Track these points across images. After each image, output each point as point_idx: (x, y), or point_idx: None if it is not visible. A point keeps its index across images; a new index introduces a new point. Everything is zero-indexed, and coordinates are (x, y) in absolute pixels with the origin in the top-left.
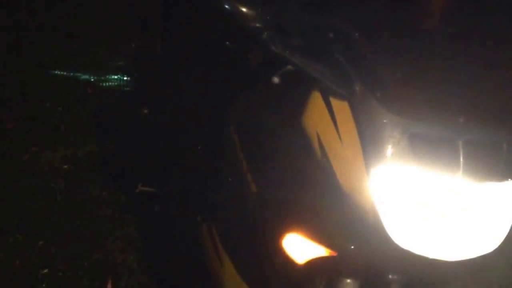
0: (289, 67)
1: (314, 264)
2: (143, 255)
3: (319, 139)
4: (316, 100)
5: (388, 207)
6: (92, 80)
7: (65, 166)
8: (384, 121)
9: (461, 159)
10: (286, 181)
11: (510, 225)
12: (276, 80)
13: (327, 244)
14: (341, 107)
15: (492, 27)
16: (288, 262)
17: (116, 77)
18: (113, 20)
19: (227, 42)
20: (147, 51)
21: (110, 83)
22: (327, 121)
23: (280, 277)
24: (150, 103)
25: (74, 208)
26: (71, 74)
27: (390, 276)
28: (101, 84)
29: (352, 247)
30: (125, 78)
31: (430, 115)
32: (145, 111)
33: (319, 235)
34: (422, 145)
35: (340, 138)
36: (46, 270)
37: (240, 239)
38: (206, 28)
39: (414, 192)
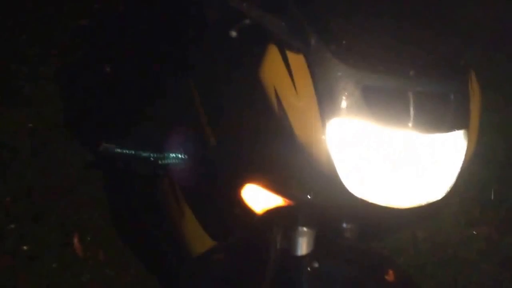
0: (246, 21)
1: (272, 214)
2: (108, 210)
3: (276, 91)
4: (272, 53)
5: (343, 157)
6: None
7: (30, 125)
8: (339, 73)
9: (412, 111)
10: (245, 133)
11: (456, 174)
12: (233, 34)
13: (285, 194)
14: (297, 60)
15: None
16: (246, 211)
17: None
18: None
19: None
20: (109, 11)
21: None
22: (283, 74)
23: (239, 226)
24: (112, 61)
25: (39, 166)
26: None
27: (344, 225)
28: None
29: (309, 196)
30: None
31: (382, 67)
32: (107, 69)
33: (277, 185)
34: (375, 97)
35: (296, 90)
36: (12, 226)
37: (201, 190)
38: None
39: (367, 143)
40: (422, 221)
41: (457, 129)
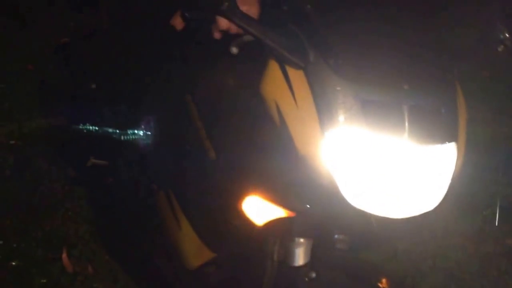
0: (247, 37)
1: (272, 225)
2: (95, 225)
3: (277, 105)
4: (273, 69)
5: (341, 168)
6: None
7: (12, 142)
8: (337, 88)
9: (406, 123)
10: (245, 146)
11: (447, 186)
12: (234, 50)
13: (285, 206)
14: (297, 75)
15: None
16: (246, 223)
17: None
18: None
19: (186, 14)
20: (92, 27)
21: None
22: (284, 89)
23: (237, 238)
24: (98, 77)
25: (24, 182)
26: None
27: (336, 236)
28: None
29: (309, 207)
30: None
31: (379, 82)
32: (93, 86)
33: (278, 197)
34: (372, 110)
35: (296, 104)
36: (0, 242)
37: (199, 203)
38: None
39: (365, 154)
40: (414, 231)
41: (448, 141)
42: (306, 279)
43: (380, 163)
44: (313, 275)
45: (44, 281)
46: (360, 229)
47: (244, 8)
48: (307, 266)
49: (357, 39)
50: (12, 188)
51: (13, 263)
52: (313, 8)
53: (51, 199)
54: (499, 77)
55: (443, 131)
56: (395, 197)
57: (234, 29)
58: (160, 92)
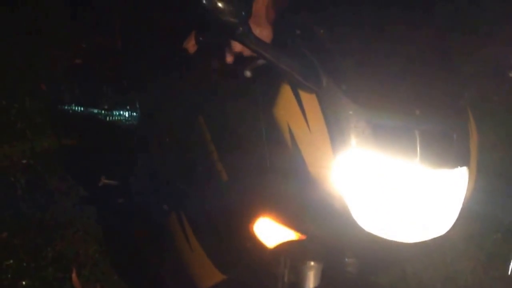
0: (260, 61)
1: (282, 248)
2: (105, 245)
3: (289, 128)
4: (286, 93)
5: (353, 192)
6: None
7: (24, 161)
8: (350, 112)
9: (418, 148)
10: (257, 168)
11: (459, 210)
12: (248, 73)
13: (297, 228)
14: (309, 99)
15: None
16: (257, 245)
17: None
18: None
19: (200, 38)
20: (106, 48)
21: None
22: (296, 112)
23: (249, 260)
24: (111, 98)
25: (35, 202)
26: None
27: (346, 259)
28: None
29: (320, 230)
30: None
31: (391, 107)
32: (106, 106)
33: (289, 219)
34: (384, 135)
35: (309, 128)
36: (11, 261)
37: (211, 225)
38: (175, 23)
39: (376, 178)
40: (424, 254)
41: (460, 166)
42: None
43: (392, 187)
44: None
45: None
46: (371, 253)
47: (257, 32)
48: None
49: (370, 64)
50: (23, 207)
51: (23, 282)
52: (325, 32)
53: (62, 218)
54: (510, 102)
55: (454, 156)
56: (406, 222)
57: (247, 52)
58: (172, 113)
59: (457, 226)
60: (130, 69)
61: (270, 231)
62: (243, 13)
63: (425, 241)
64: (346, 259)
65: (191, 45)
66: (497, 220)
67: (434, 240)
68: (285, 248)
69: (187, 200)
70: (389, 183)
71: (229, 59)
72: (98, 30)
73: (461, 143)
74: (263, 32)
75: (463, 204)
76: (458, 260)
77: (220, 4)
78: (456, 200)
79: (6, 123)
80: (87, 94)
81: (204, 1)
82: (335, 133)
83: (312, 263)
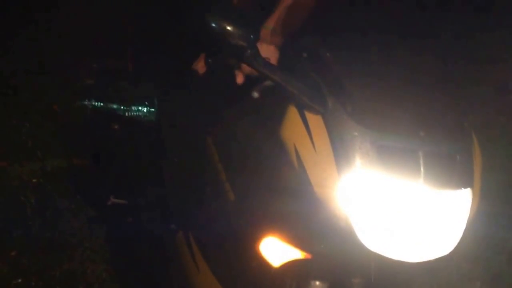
0: (268, 83)
1: (287, 267)
2: (113, 264)
3: (295, 149)
4: (292, 114)
5: (358, 212)
6: None
7: (34, 180)
8: (355, 133)
9: (422, 169)
10: (264, 189)
11: (462, 231)
12: (255, 94)
13: (302, 247)
14: (315, 120)
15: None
16: (264, 265)
17: None
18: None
19: (209, 60)
20: (118, 70)
21: None
22: (303, 133)
23: (256, 280)
24: (121, 119)
25: (44, 221)
26: None
27: (351, 280)
28: None
29: (326, 250)
30: None
31: (395, 129)
32: (116, 126)
33: (295, 238)
34: (389, 156)
35: (315, 149)
36: (19, 280)
37: (218, 245)
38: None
39: (381, 198)
40: (429, 274)
41: (464, 187)
42: None
43: (396, 207)
44: None
45: None
46: (376, 273)
47: (265, 54)
48: None
49: (375, 86)
50: (32, 226)
51: None
52: (332, 56)
53: (71, 238)
54: None
55: (458, 177)
56: (410, 241)
57: (255, 74)
58: (181, 134)
59: (462, 246)
60: (140, 90)
61: (276, 251)
62: (252, 36)
63: (430, 260)
64: (352, 279)
65: (200, 67)
66: (502, 242)
67: (439, 260)
68: (291, 267)
69: (194, 220)
70: (394, 204)
71: (238, 80)
72: (110, 52)
73: (464, 164)
74: (271, 55)
75: (466, 225)
76: (463, 281)
77: (229, 28)
78: (459, 220)
79: (17, 142)
80: (98, 113)
81: (213, 25)
82: (341, 154)
83: (317, 282)
